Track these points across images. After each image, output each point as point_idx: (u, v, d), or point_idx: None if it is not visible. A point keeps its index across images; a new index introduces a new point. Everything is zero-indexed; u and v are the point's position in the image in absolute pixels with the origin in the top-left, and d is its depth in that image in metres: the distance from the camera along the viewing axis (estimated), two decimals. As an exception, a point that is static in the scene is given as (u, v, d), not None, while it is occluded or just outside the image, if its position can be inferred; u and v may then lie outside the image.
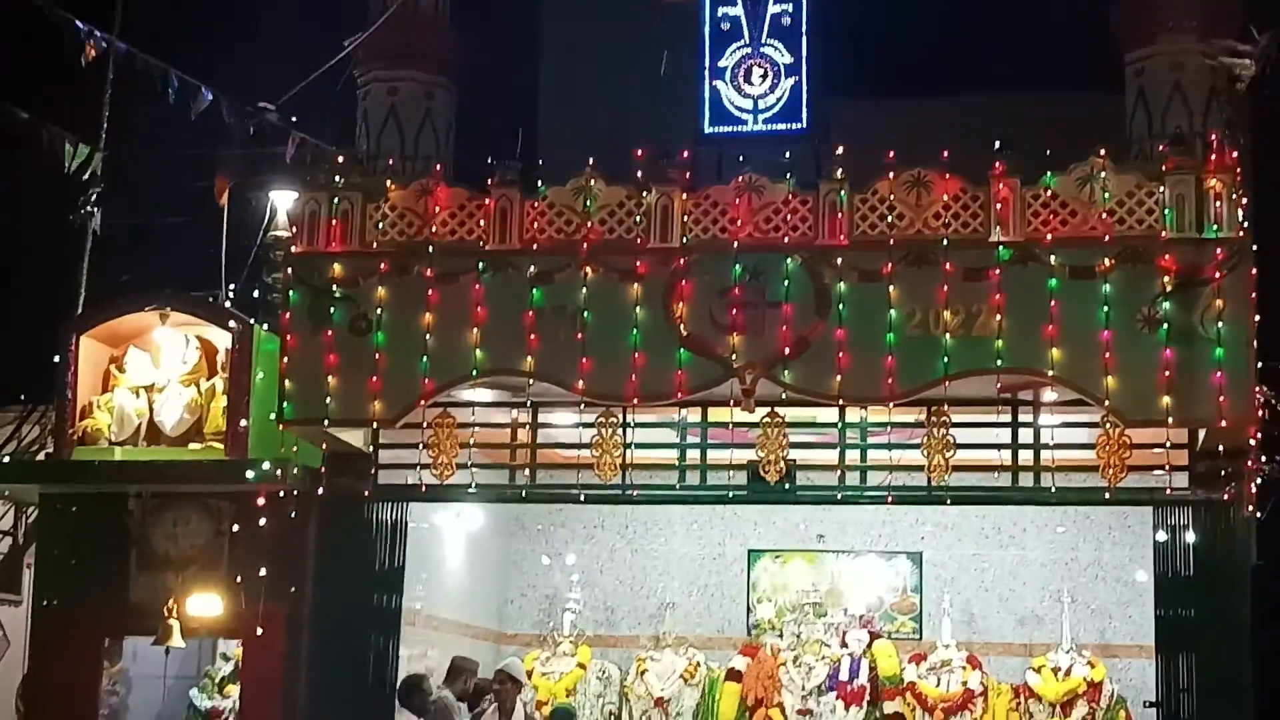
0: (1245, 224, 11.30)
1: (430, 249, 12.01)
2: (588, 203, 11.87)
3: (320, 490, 12.70)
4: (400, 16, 16.35)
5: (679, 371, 11.52)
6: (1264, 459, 12.36)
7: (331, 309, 12.11)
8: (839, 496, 12.59)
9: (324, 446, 12.72)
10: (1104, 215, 11.25)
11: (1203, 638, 12.09)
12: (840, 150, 11.92)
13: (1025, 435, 12.07)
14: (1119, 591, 15.02)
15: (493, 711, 12.85)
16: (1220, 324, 11.01)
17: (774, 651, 14.76)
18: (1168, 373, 11.06)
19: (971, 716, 14.16)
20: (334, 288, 12.12)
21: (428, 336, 11.88)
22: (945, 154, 11.62)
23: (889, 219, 11.51)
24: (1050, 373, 11.24)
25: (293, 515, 12.51)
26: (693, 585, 15.95)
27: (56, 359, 13.18)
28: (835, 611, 15.11)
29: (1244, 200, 11.37)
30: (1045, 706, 14.10)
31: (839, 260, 11.49)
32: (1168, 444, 11.59)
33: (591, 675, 15.04)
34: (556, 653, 15.18)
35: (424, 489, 12.48)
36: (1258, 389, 11.69)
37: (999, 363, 11.22)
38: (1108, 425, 11.38)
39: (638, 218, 11.80)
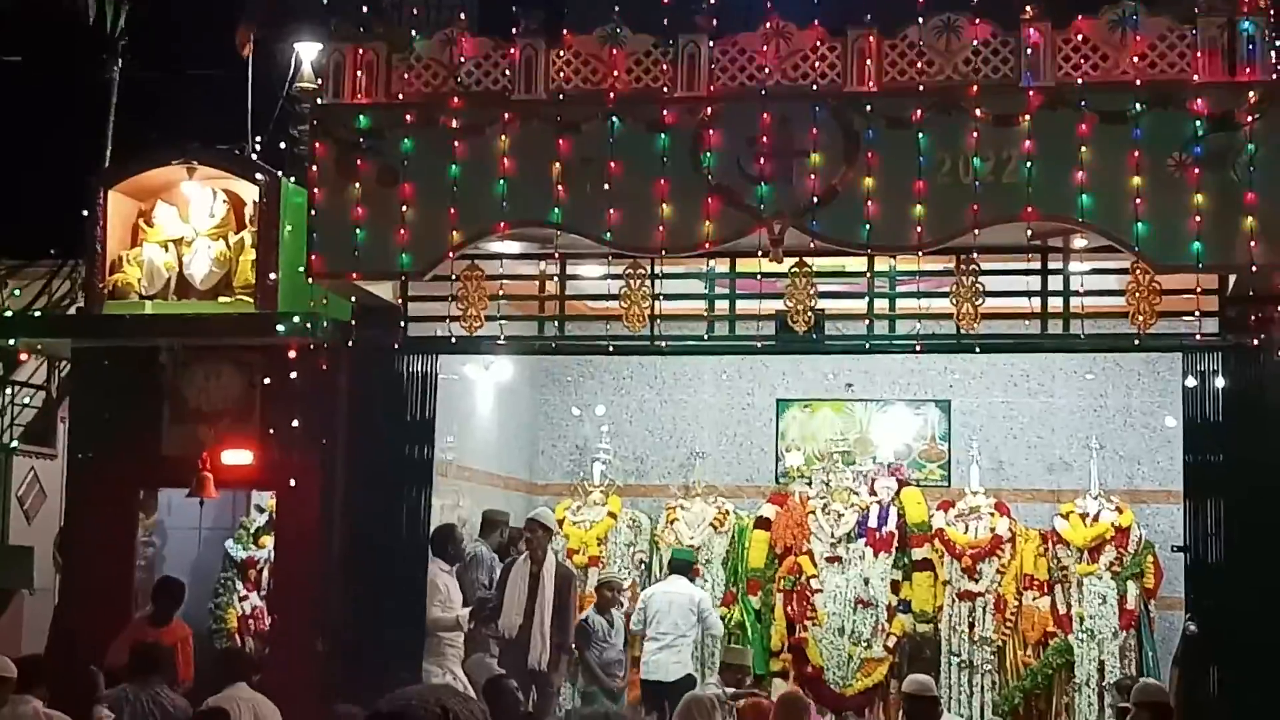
0: (1278, 67, 11.15)
1: (456, 99, 11.93)
2: (614, 51, 11.76)
3: (350, 343, 12.74)
4: None
5: (707, 222, 11.46)
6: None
7: (358, 161, 12.05)
8: (867, 346, 12.61)
9: (353, 299, 12.75)
10: (1135, 59, 11.12)
11: (1231, 483, 12.13)
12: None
13: (1055, 282, 12.04)
14: (1147, 438, 15.07)
15: (524, 560, 13.00)
16: (1252, 168, 10.90)
17: (803, 500, 14.86)
18: (1198, 218, 10.97)
19: (999, 562, 14.26)
20: (360, 140, 12.06)
21: (455, 188, 11.83)
22: (975, -2, 11.48)
23: (918, 65, 11.38)
24: (1080, 219, 11.16)
25: (323, 368, 12.57)
26: (722, 435, 16.05)
27: (85, 213, 13.18)
28: (864, 459, 15.20)
29: (1277, 43, 11.22)
30: (1073, 552, 14.17)
31: (868, 107, 11.36)
32: (1198, 289, 11.54)
33: (622, 524, 15.18)
34: (587, 502, 15.30)
35: (453, 341, 12.51)
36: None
37: (1029, 209, 11.14)
38: (1138, 271, 11.33)
39: (664, 66, 11.68)
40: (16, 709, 10.58)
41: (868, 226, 11.33)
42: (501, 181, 11.75)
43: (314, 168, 12.25)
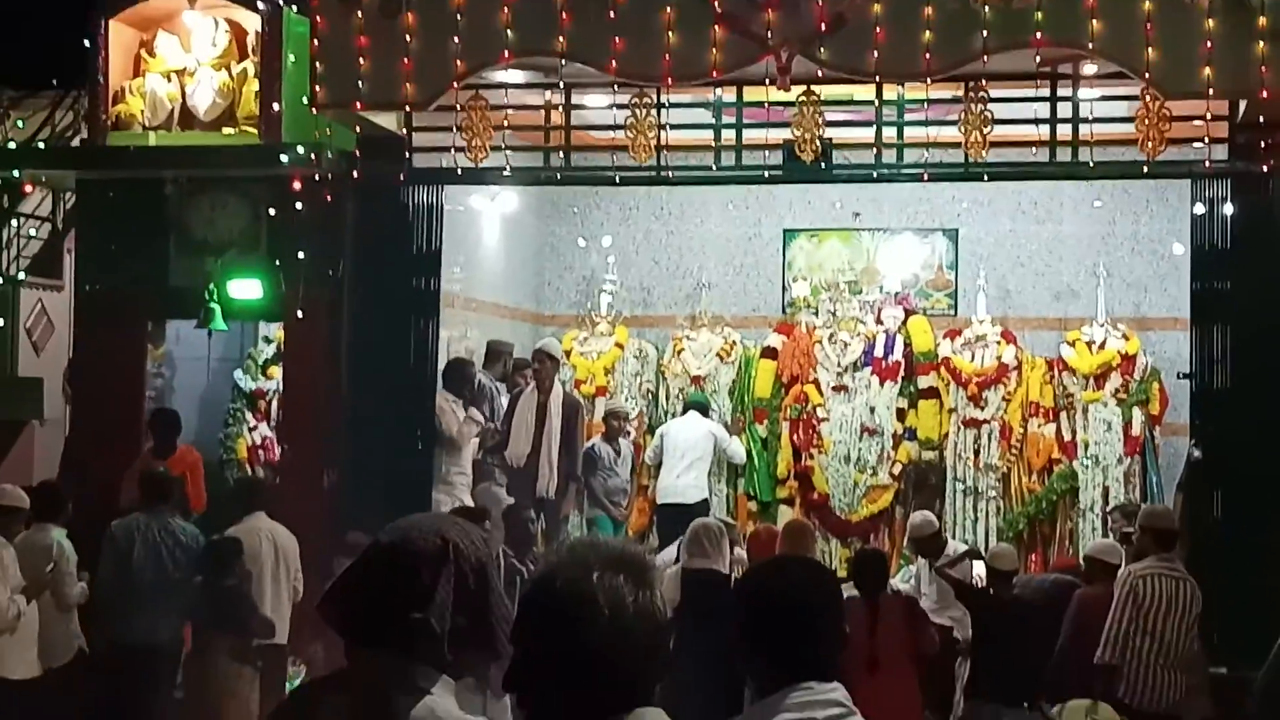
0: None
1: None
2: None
3: (355, 174, 12.69)
4: None
5: (713, 50, 11.35)
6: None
7: (360, -12, 11.91)
8: (875, 174, 12.57)
9: (357, 130, 12.67)
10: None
11: (1238, 310, 12.16)
12: None
13: (1064, 109, 11.96)
14: (1155, 265, 15.03)
15: (531, 390, 13.06)
16: (1265, -8, 10.77)
17: (809, 329, 14.87)
18: (1209, 43, 10.85)
19: (1005, 390, 14.29)
20: (362, -33, 11.91)
21: (458, 16, 11.69)
22: None
23: (926, -113, 11.18)
24: (1090, 45, 11.05)
25: (328, 199, 12.53)
26: (728, 265, 16.02)
27: (86, 43, 13.06)
28: (871, 289, 15.19)
29: None
30: (1079, 379, 14.20)
31: (876, -68, 11.20)
32: (1207, 116, 11.46)
33: (629, 355, 15.20)
34: (594, 333, 15.32)
35: (458, 172, 12.47)
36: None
37: (1038, 36, 11.01)
38: (1147, 98, 11.25)
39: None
40: (35, 538, 10.73)
41: (876, 53, 11.22)
42: (506, 9, 11.61)
43: (316, -4, 12.11)
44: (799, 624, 3.71)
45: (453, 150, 12.25)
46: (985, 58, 11.13)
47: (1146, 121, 11.31)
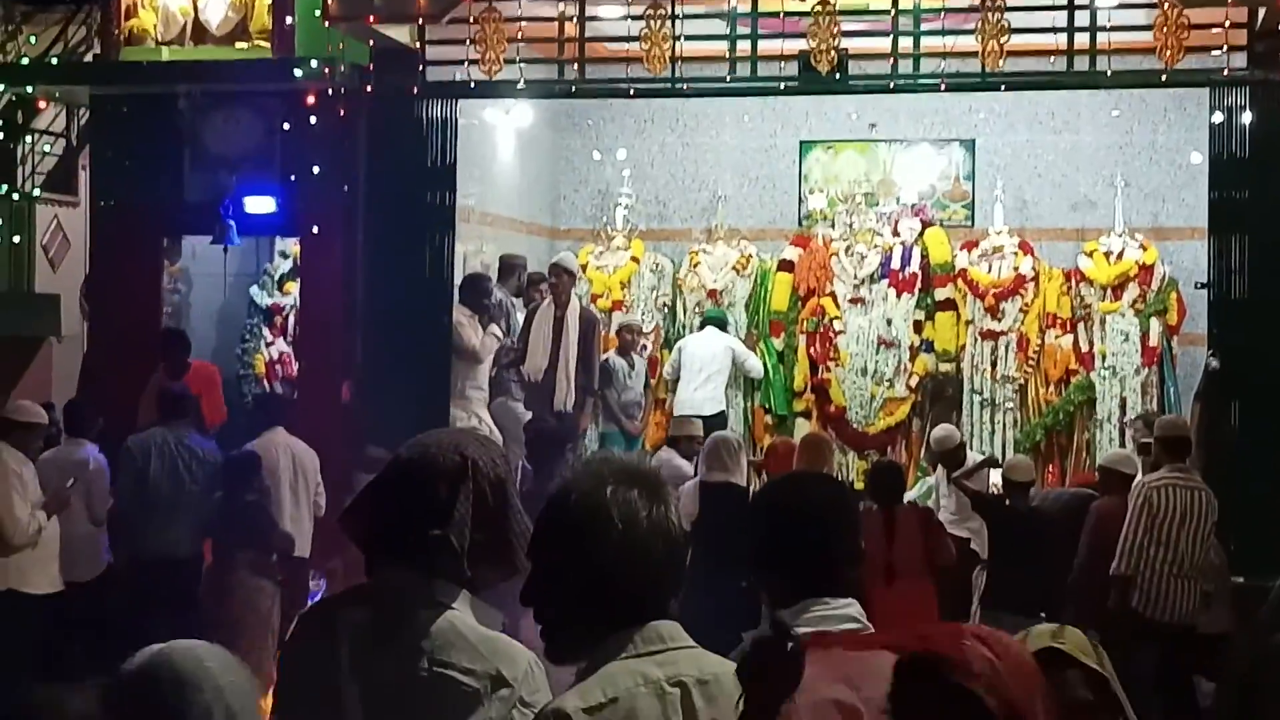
0: None
1: None
2: None
3: (368, 88, 12.64)
4: None
5: (728, -41, 11.24)
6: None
7: (371, -101, 11.83)
8: (891, 85, 12.48)
9: (370, 43, 12.61)
10: None
11: (1256, 218, 12.11)
12: None
13: (1081, 18, 11.85)
14: (1173, 174, 14.92)
15: (548, 304, 13.05)
16: (1287, -104, 10.65)
17: (826, 242, 14.82)
18: (1230, -50, 10.76)
19: (1022, 301, 14.25)
20: (373, -123, 11.82)
21: (470, -73, 11.61)
22: None
23: None
24: (1109, -48, 10.95)
25: (342, 114, 12.49)
26: (744, 178, 15.93)
27: (98, -42, 13.00)
28: (887, 201, 15.12)
29: None
30: (1096, 290, 14.15)
31: None
32: (1226, 23, 11.37)
33: (645, 269, 15.17)
34: (610, 247, 15.28)
35: (472, 85, 12.41)
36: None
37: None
38: (1166, 5, 11.14)
39: None
40: (66, 452, 10.81)
41: (891, -38, 11.12)
42: (517, -80, 11.53)
43: (325, -91, 12.02)
44: (814, 540, 3.71)
45: (466, 63, 12.19)
46: (1003, -34, 11.03)
47: (1165, 29, 11.21)
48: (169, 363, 12.32)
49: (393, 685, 3.29)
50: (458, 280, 13.12)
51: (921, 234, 14.61)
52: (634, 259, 15.18)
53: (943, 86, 12.25)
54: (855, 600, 3.70)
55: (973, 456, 12.46)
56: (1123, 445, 13.44)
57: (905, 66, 12.16)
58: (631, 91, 12.55)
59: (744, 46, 12.30)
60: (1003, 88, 12.58)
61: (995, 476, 11.88)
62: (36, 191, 15.67)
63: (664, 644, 2.98)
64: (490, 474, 3.39)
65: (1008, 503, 11.02)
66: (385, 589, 3.39)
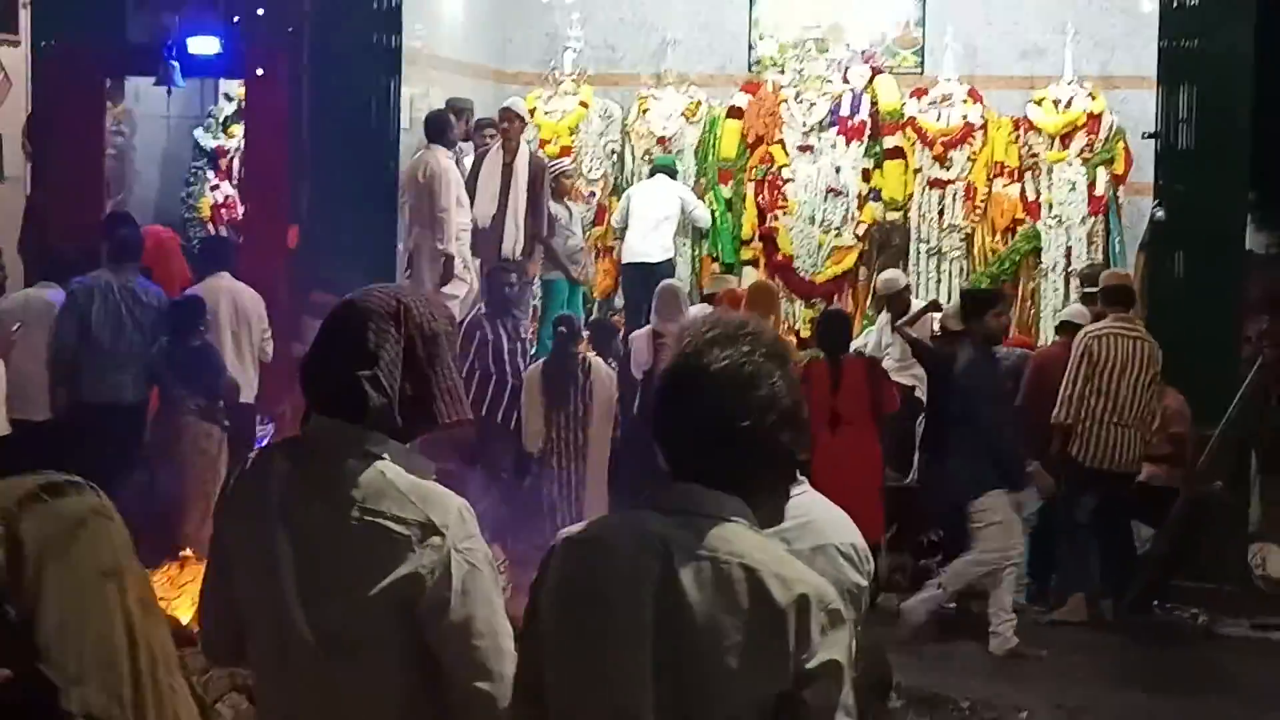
0: None
1: None
2: None
3: (314, -73, 12.47)
4: None
5: None
6: None
7: None
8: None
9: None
10: None
11: (1205, 68, 12.13)
12: None
13: None
14: (1123, 22, 14.80)
15: (496, 150, 12.95)
16: None
17: (775, 88, 14.74)
18: None
19: (970, 150, 14.24)
20: None
21: None
22: None
23: None
24: None
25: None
26: (694, 22, 15.71)
27: None
28: (837, 47, 14.98)
29: None
30: (1044, 139, 14.15)
31: None
32: None
33: (594, 114, 15.05)
34: (558, 92, 15.16)
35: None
36: None
37: None
38: None
39: None
40: (40, 295, 10.79)
41: None
42: None
43: None
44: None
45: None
46: None
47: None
48: (114, 247, 11.22)
49: (324, 534, 3.32)
50: (403, 123, 13.01)
51: (871, 81, 14.54)
52: (583, 104, 15.07)
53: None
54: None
55: (916, 303, 12.53)
56: (1068, 296, 13.56)
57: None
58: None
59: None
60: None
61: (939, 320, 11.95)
62: (-25, 30, 15.38)
63: (685, 507, 2.96)
64: (424, 325, 3.42)
65: (946, 349, 11.10)
66: (316, 438, 3.42)
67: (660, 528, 2.95)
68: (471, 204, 12.76)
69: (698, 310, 11.94)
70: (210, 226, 14.90)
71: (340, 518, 3.30)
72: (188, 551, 8.33)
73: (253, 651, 3.49)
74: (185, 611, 7.15)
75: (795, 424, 3.03)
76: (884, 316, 12.65)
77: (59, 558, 2.96)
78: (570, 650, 2.97)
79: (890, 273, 12.96)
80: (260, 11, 12.49)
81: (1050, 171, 14.05)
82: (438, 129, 12.65)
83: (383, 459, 3.35)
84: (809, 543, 3.42)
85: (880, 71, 14.70)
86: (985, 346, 10.03)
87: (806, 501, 3.67)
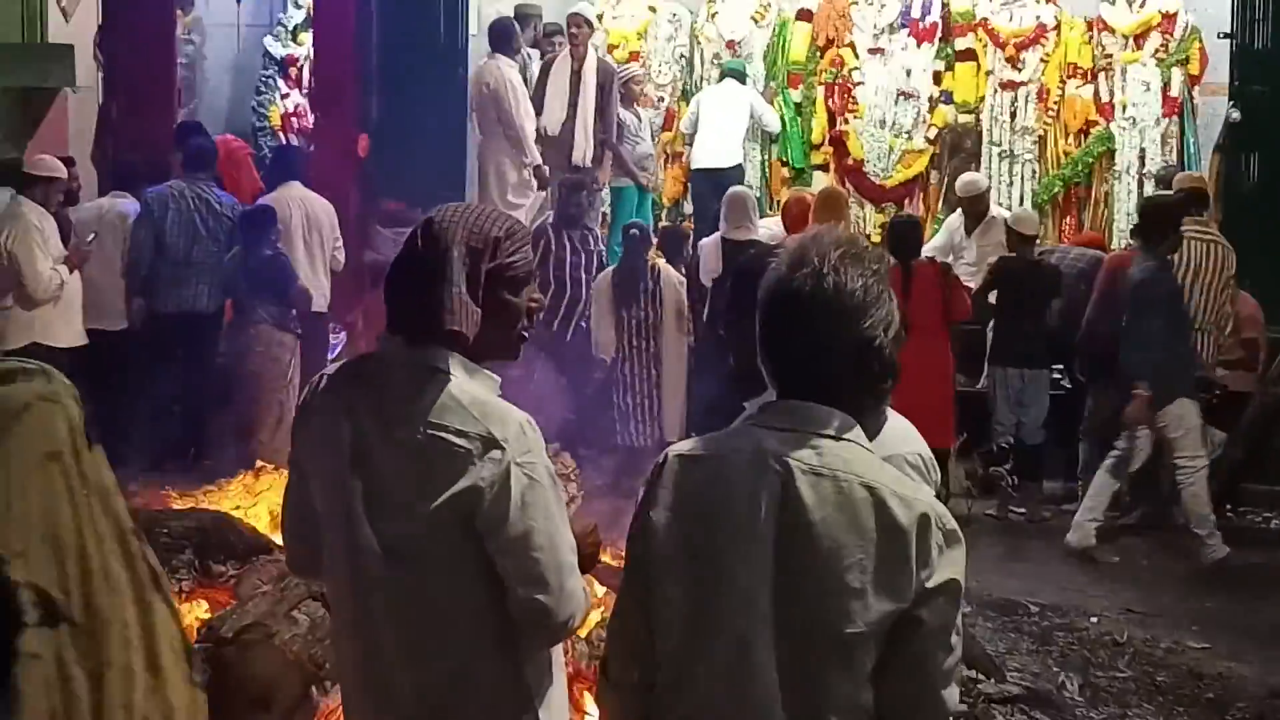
0: None
1: None
2: None
3: None
4: None
5: None
6: None
7: None
8: None
9: None
10: None
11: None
12: None
13: None
14: (1200, -81, 14.58)
15: (564, 57, 12.89)
16: None
17: (845, -10, 14.61)
18: None
19: (1043, 51, 14.07)
20: None
21: None
22: None
23: None
24: None
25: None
26: (763, -77, 15.57)
27: None
28: (908, -53, 14.82)
29: None
30: (1118, 39, 13.96)
31: None
32: None
33: (661, 19, 14.95)
34: (626, -4, 15.08)
35: None
36: None
37: None
38: None
39: None
40: (113, 204, 10.90)
41: None
42: None
43: None
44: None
45: None
46: None
47: None
48: (187, 156, 11.21)
49: (390, 449, 3.37)
50: (472, 30, 12.98)
51: (942, -18, 14.38)
52: (651, 9, 14.98)
53: None
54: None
55: (997, 210, 12.45)
56: (1143, 198, 13.42)
57: None
58: None
59: None
60: None
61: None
62: (46, -59, 15.43)
63: (799, 425, 2.98)
64: (502, 250, 3.44)
65: (1014, 255, 11.03)
66: (387, 355, 3.48)
67: (777, 445, 2.97)
68: (540, 111, 12.73)
69: (769, 220, 11.96)
70: (280, 135, 14.94)
71: (407, 433, 3.36)
72: (263, 462, 8.43)
73: (327, 562, 3.56)
74: (261, 519, 7.26)
75: (899, 339, 3.05)
76: (957, 217, 12.54)
77: (1, 441, 3.08)
78: (690, 569, 3.00)
79: (970, 175, 12.87)
80: (328, -82, 12.47)
81: (1124, 72, 13.87)
82: (503, 38, 12.59)
83: (451, 376, 3.39)
84: (879, 454, 3.45)
85: (952, -29, 14.52)
86: (1166, 258, 9.88)
87: None
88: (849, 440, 2.98)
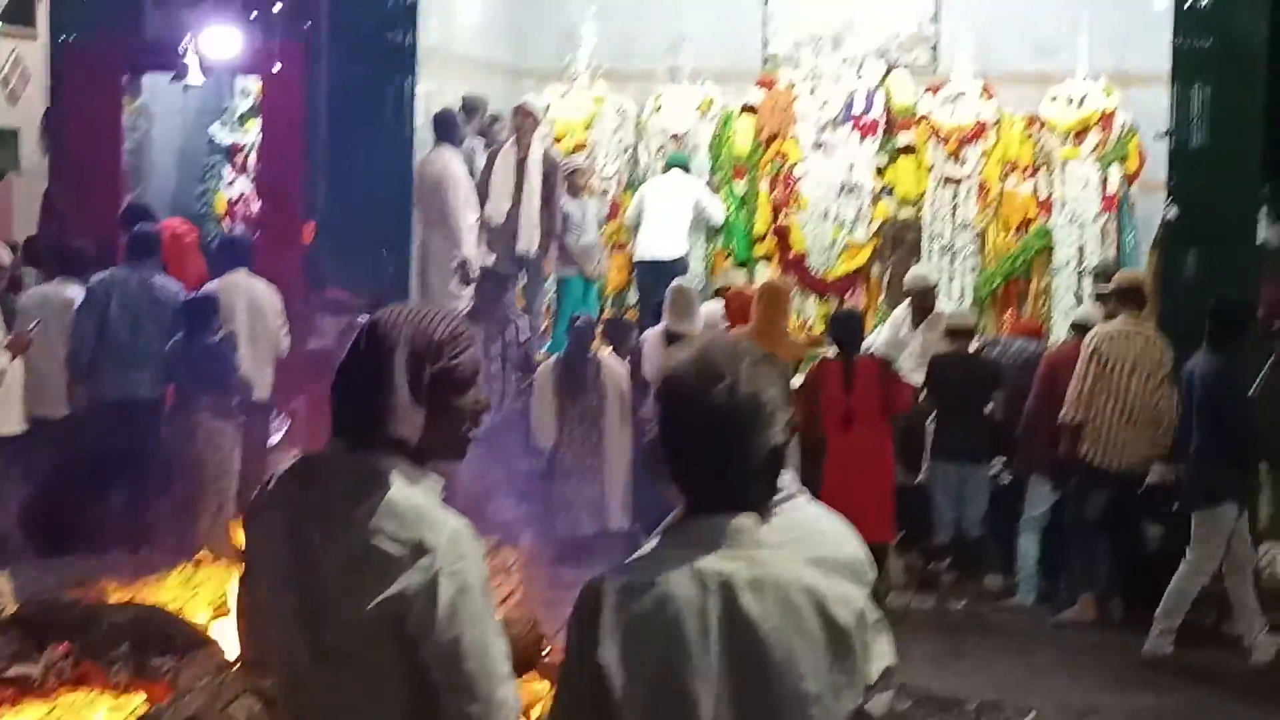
0: None
1: None
2: None
3: (330, -77, 12.51)
4: None
5: None
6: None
7: None
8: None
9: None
10: None
11: (1218, 66, 12.15)
12: None
13: None
14: (1137, 19, 14.75)
15: (510, 146, 12.98)
16: None
17: (789, 85, 14.77)
18: None
19: (984, 147, 14.27)
20: None
21: None
22: None
23: None
24: None
25: (303, -51, 12.36)
26: (708, 18, 15.68)
27: None
28: (851, 43, 14.98)
29: None
30: (1057, 136, 14.17)
31: None
32: None
33: (608, 111, 15.07)
34: (573, 88, 15.19)
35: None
36: None
37: None
38: None
39: None
40: (59, 291, 10.85)
41: None
42: None
43: None
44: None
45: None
46: None
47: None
48: (132, 242, 11.21)
49: (329, 553, 3.37)
50: (418, 120, 13.06)
51: (885, 78, 14.57)
52: (597, 101, 15.11)
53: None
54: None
55: (941, 304, 12.56)
56: (1079, 293, 13.59)
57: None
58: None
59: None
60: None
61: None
62: (-6, 24, 15.46)
63: (728, 538, 2.98)
64: (445, 352, 3.44)
65: (951, 351, 11.14)
66: (332, 458, 3.48)
67: (712, 562, 2.96)
68: (486, 201, 12.81)
69: (711, 306, 12.05)
70: (226, 222, 14.96)
71: (345, 537, 3.36)
72: (203, 553, 8.38)
73: (272, 660, 3.57)
74: (201, 612, 7.22)
75: (789, 428, 3.08)
76: (903, 310, 12.62)
77: None
78: (651, 701, 2.96)
79: (920, 269, 13.00)
80: (277, 7, 12.53)
81: (1063, 169, 14.08)
82: (448, 128, 12.68)
83: (392, 480, 3.40)
84: (809, 554, 3.45)
85: (894, 68, 14.72)
86: (1236, 357, 9.90)
87: (800, 515, 3.71)
88: (774, 546, 3.00)
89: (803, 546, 3.40)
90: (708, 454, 3.02)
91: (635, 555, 3.13)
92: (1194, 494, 9.62)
